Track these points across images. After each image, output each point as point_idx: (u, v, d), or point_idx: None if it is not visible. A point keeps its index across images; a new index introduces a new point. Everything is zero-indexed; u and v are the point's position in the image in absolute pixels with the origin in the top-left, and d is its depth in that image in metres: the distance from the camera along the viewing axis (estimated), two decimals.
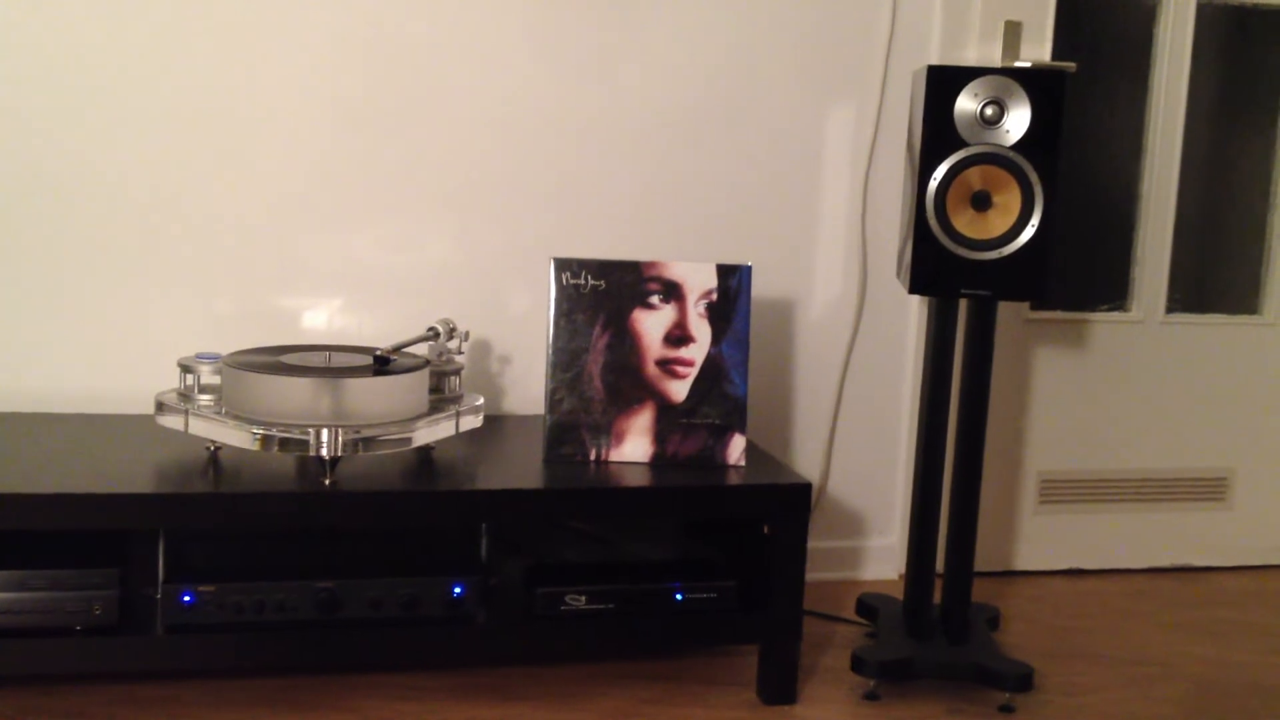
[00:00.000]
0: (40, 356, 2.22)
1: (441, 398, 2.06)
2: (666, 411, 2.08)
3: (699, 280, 2.08)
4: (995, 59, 2.49)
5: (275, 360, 1.98)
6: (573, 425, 2.07)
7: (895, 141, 2.52)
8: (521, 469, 2.02)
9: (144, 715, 1.89)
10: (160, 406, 1.96)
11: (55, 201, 2.19)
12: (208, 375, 1.98)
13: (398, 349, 2.04)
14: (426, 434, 1.95)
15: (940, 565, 2.16)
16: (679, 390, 2.08)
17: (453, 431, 2.01)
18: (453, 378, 2.09)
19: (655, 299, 2.07)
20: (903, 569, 2.53)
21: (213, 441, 1.94)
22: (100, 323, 2.24)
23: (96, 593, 1.79)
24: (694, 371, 2.07)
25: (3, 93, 2.15)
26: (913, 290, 2.02)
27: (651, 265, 2.07)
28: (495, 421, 2.30)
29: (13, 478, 1.80)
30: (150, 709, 1.91)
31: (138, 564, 1.90)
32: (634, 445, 2.08)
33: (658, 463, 2.07)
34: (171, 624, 1.82)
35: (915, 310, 2.58)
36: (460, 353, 2.14)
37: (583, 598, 1.96)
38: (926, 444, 2.12)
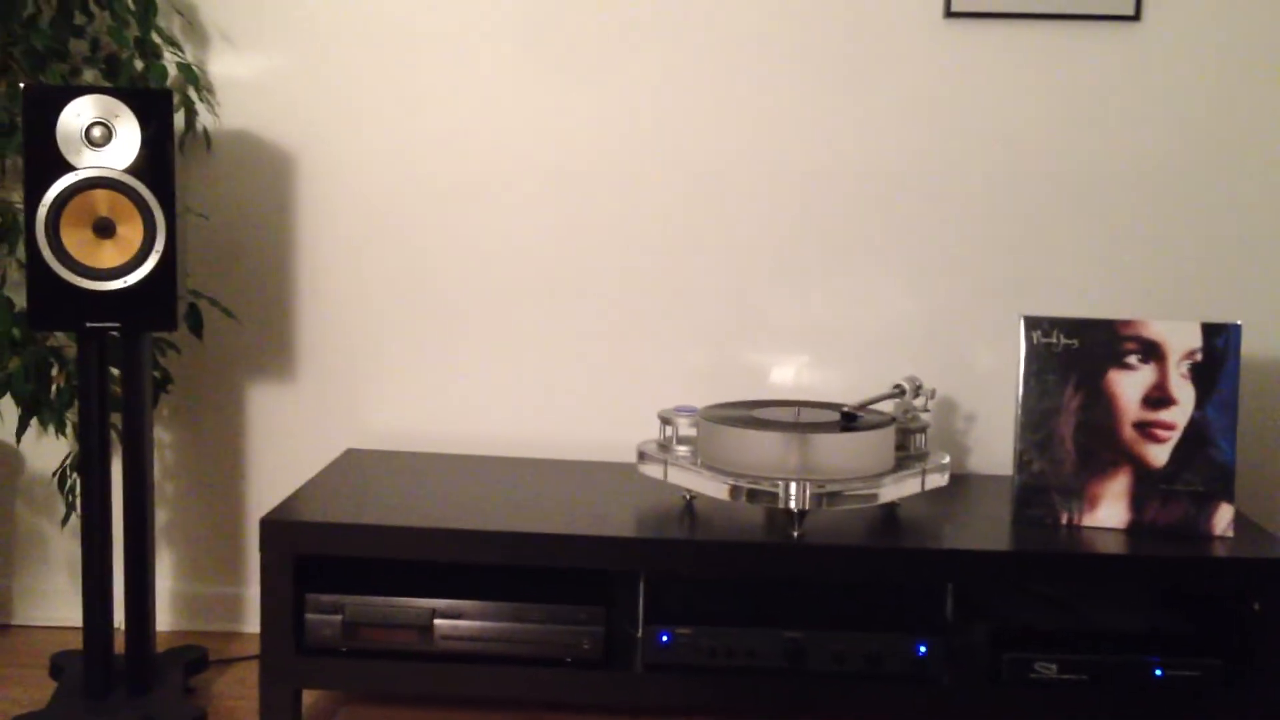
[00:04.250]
0: (537, 408, 2.43)
1: (907, 455, 2.07)
2: (1144, 476, 1.98)
3: (1181, 339, 1.98)
4: None
5: (747, 415, 2.06)
6: (1042, 487, 2.02)
7: None
8: (989, 530, 1.99)
9: None
10: (642, 456, 2.10)
11: (551, 268, 2.40)
12: (685, 427, 2.09)
13: (864, 405, 2.07)
14: (892, 490, 1.97)
15: None
16: (1158, 455, 1.98)
17: (918, 489, 2.01)
18: (918, 435, 2.09)
19: (1133, 359, 1.99)
20: None
21: (689, 490, 2.05)
22: (589, 377, 2.42)
23: (585, 628, 1.93)
24: (1175, 435, 1.97)
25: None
26: None
27: (1128, 324, 1.99)
28: (960, 480, 2.28)
29: (513, 517, 1.98)
30: None
31: (620, 603, 2.02)
32: (1108, 510, 2.00)
33: (1134, 530, 1.98)
34: (650, 662, 1.93)
35: None
36: (926, 410, 2.14)
37: (1054, 666, 1.90)
38: None
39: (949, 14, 2.29)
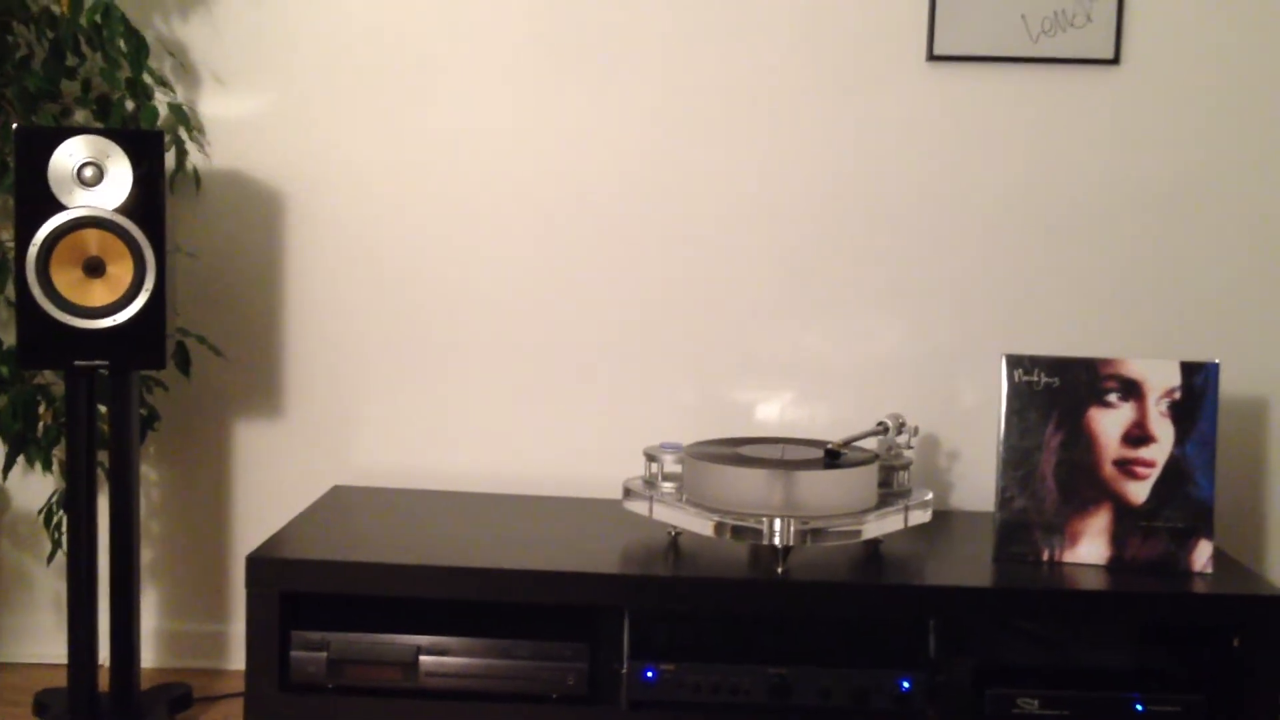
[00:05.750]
0: (523, 445, 2.44)
1: (890, 492, 2.09)
2: (1124, 513, 2.00)
3: (1160, 378, 2.00)
4: None
5: (732, 451, 2.08)
6: (1024, 524, 2.03)
7: None
8: (971, 566, 2.01)
9: None
10: (627, 492, 2.11)
11: (536, 307, 2.42)
12: (670, 464, 2.11)
13: (848, 443, 2.09)
14: (875, 527, 1.98)
15: None
16: (1138, 492, 2.00)
17: (901, 526, 2.02)
18: (901, 472, 2.11)
19: (1113, 397, 2.01)
20: None
21: (674, 527, 2.06)
22: (575, 414, 2.43)
23: (570, 665, 1.94)
24: (1155, 473, 1.99)
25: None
26: None
27: (1108, 362, 2.02)
28: (943, 517, 2.30)
29: (498, 554, 1.99)
30: None
31: (605, 639, 2.03)
32: (1089, 547, 2.01)
33: (1114, 566, 2.00)
34: (635, 699, 1.94)
35: None
36: (909, 447, 2.16)
37: (1035, 702, 1.91)
38: None
39: (931, 58, 2.33)
